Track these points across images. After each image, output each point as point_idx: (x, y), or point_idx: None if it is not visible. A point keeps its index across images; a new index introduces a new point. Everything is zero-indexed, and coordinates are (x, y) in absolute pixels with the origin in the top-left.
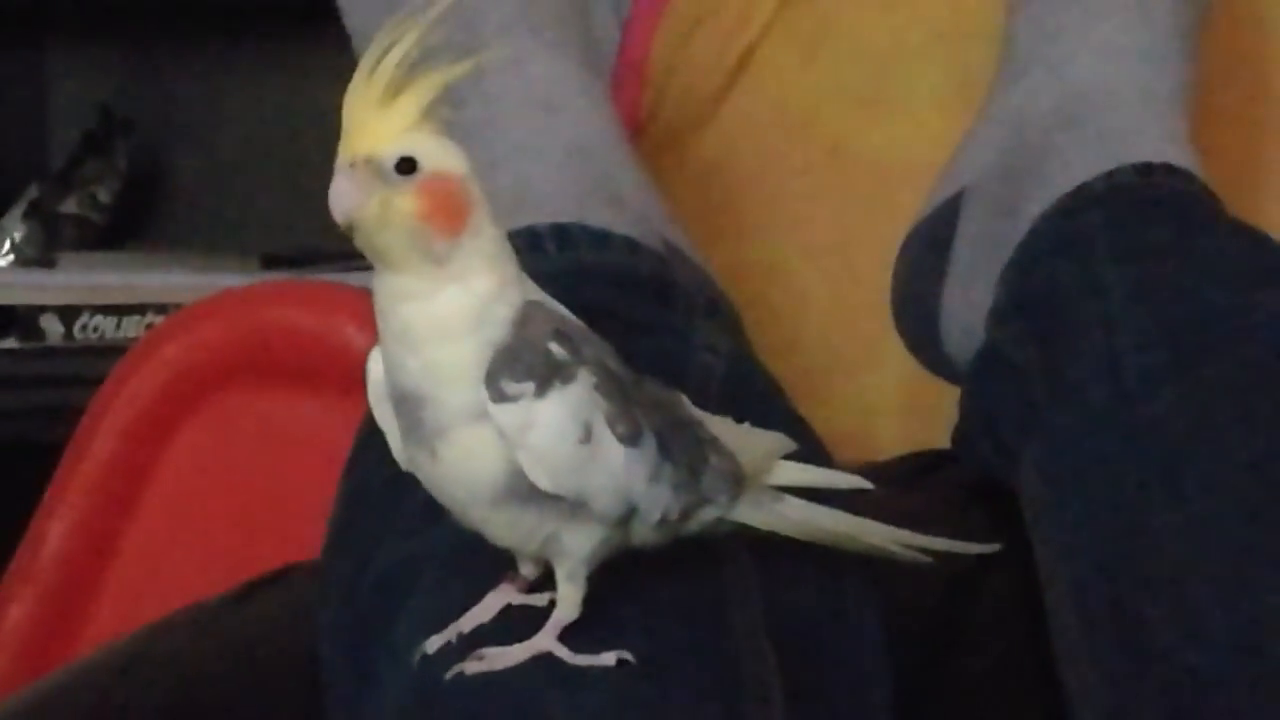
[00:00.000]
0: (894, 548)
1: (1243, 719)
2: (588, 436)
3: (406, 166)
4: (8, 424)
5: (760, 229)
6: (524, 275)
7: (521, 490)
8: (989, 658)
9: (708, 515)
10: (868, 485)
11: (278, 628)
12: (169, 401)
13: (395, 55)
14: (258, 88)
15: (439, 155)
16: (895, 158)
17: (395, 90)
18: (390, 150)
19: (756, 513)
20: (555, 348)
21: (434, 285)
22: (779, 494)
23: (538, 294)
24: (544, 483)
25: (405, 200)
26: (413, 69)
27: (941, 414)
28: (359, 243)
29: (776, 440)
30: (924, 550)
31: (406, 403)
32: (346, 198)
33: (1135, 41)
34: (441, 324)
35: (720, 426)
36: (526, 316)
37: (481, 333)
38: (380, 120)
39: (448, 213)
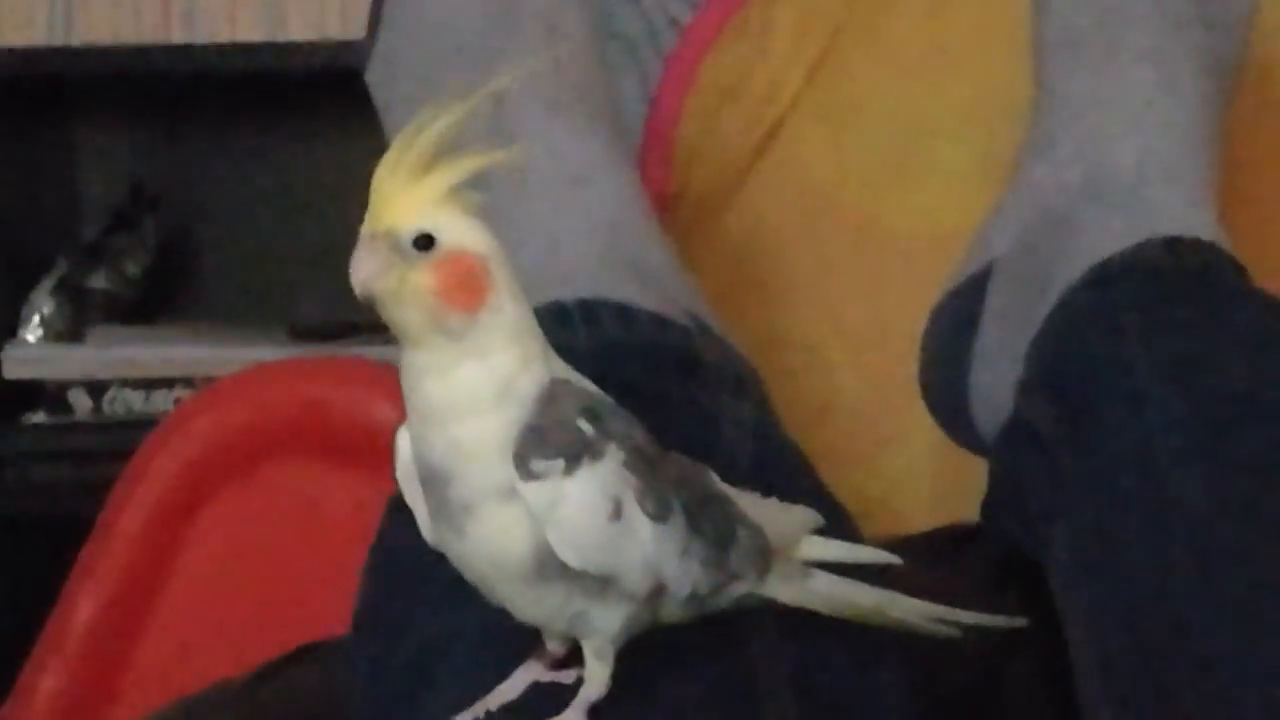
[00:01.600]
0: (922, 622)
1: None
2: (617, 513)
3: (425, 243)
4: (37, 498)
5: (788, 302)
6: (551, 351)
7: (550, 567)
8: None
9: (736, 590)
10: (895, 560)
11: (306, 705)
12: (198, 476)
13: (429, 135)
14: (284, 162)
15: (459, 233)
16: (923, 232)
17: (424, 168)
18: (410, 226)
19: (785, 587)
20: (584, 425)
21: (453, 361)
22: (808, 569)
23: (565, 370)
24: (573, 560)
25: (421, 276)
26: (445, 150)
27: (969, 487)
28: (382, 315)
29: (805, 515)
30: (952, 624)
31: (433, 480)
32: (364, 269)
33: (1162, 115)
34: (461, 400)
35: (748, 501)
36: (554, 394)
37: (505, 409)
38: (405, 196)
39: (465, 290)
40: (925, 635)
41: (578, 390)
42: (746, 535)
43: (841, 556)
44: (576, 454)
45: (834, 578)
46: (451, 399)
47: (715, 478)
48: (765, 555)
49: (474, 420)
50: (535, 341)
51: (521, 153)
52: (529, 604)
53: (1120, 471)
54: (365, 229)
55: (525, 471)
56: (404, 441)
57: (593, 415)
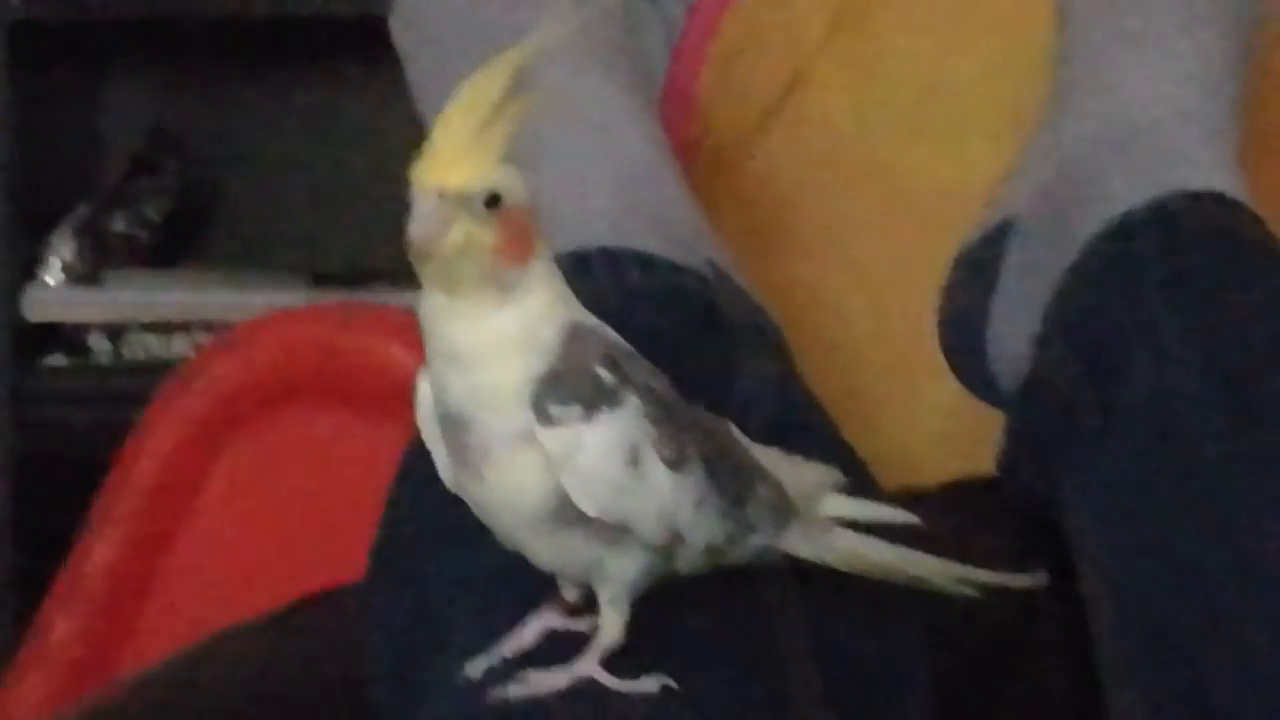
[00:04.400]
0: (942, 581)
1: None
2: (634, 461)
3: (493, 201)
4: (55, 441)
5: (807, 253)
6: (571, 295)
7: (567, 514)
8: (1037, 689)
9: (754, 544)
10: (915, 520)
11: (321, 649)
12: (216, 421)
13: (486, 94)
14: (307, 108)
15: (514, 187)
16: (943, 183)
17: (483, 127)
18: (480, 185)
19: (803, 544)
20: (603, 372)
21: (493, 309)
22: (827, 525)
23: (584, 315)
24: (589, 507)
25: (486, 233)
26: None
27: (987, 438)
28: (428, 269)
29: (825, 472)
30: (972, 584)
31: (452, 424)
32: (432, 227)
33: (1183, 67)
34: (489, 345)
35: (768, 456)
36: (574, 339)
37: (528, 356)
38: (469, 155)
39: (521, 243)
40: (944, 594)
41: (598, 337)
42: (765, 489)
43: (862, 514)
44: (595, 401)
45: (854, 534)
46: (479, 344)
47: (736, 430)
48: (783, 510)
49: (497, 366)
50: (560, 283)
51: (542, 86)
52: (545, 550)
53: (1140, 423)
54: (427, 187)
55: (544, 417)
56: (424, 386)
57: (612, 363)
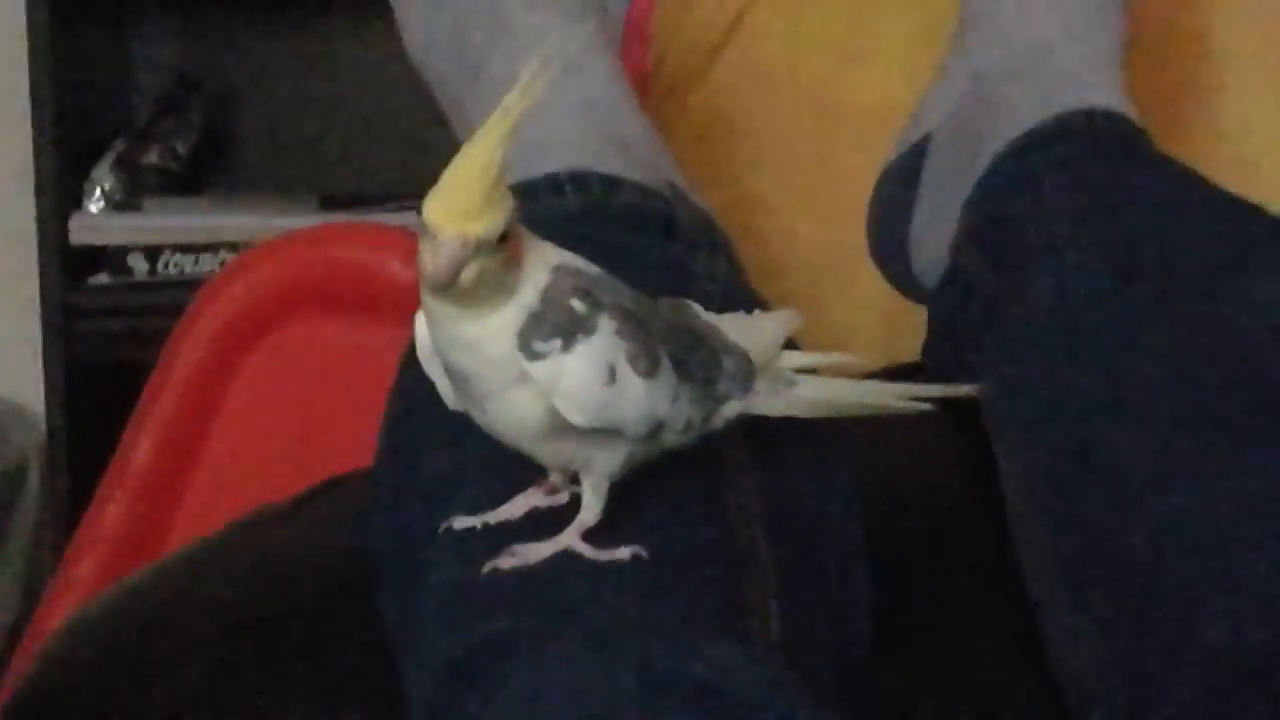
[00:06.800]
0: (899, 402)
1: (1184, 589)
2: (612, 377)
3: (504, 237)
4: (101, 349)
5: (752, 170)
6: (545, 245)
7: (561, 427)
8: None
9: (729, 411)
10: (853, 358)
11: (332, 530)
12: (240, 330)
13: (496, 146)
14: (315, 51)
15: (515, 215)
16: (871, 103)
17: (495, 177)
18: (492, 227)
19: (771, 401)
20: (577, 303)
21: (497, 306)
22: (792, 378)
23: (558, 255)
24: (580, 421)
25: (492, 261)
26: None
27: (913, 331)
28: (438, 297)
29: (785, 318)
30: (924, 399)
31: (453, 372)
32: (452, 269)
33: (1077, 2)
34: (494, 330)
35: (731, 322)
36: (551, 282)
37: (515, 317)
38: (487, 202)
39: (517, 254)
40: (902, 413)
41: (571, 271)
42: (730, 361)
43: (812, 363)
44: (573, 331)
45: (816, 379)
46: (485, 332)
47: (698, 309)
48: (749, 374)
49: (498, 344)
50: (534, 250)
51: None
52: (546, 454)
53: (1039, 310)
54: (444, 232)
55: (530, 353)
56: (422, 329)
57: (584, 293)
